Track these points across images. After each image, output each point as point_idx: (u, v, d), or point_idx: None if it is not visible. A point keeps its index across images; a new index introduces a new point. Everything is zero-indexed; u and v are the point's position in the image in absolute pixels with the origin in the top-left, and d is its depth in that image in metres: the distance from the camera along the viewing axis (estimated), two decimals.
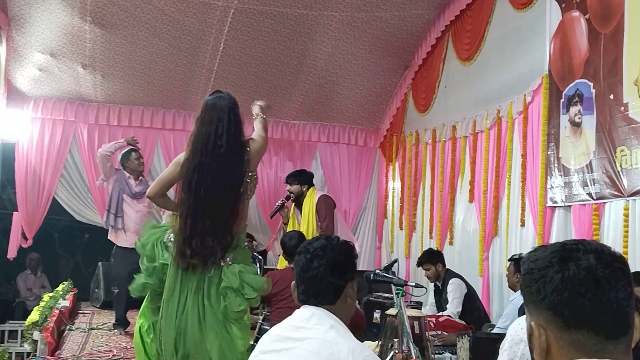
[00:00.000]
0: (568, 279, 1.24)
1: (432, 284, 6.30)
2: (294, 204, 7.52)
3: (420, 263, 6.35)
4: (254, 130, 3.88)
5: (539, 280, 1.28)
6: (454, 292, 5.99)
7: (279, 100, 8.78)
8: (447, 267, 6.32)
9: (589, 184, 5.01)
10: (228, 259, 3.58)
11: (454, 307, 5.93)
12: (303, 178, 7.47)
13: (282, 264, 7.34)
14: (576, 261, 1.25)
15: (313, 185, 7.52)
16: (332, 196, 9.19)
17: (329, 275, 2.25)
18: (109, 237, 6.79)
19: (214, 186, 3.56)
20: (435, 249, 6.80)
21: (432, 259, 6.28)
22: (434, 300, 6.35)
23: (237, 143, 3.65)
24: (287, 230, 7.50)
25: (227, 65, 8.05)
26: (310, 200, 7.29)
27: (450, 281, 6.06)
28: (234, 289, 3.52)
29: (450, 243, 7.28)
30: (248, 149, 3.71)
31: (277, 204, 7.68)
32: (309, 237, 7.10)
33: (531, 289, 1.30)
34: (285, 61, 8.11)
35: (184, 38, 7.62)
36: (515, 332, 2.90)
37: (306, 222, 7.31)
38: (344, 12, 7.37)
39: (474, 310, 6.03)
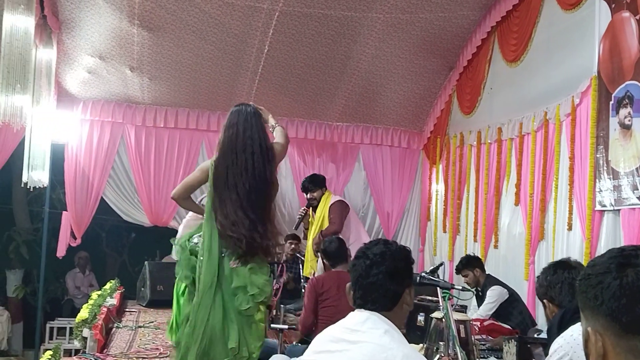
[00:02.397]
0: (626, 286, 1.23)
1: (474, 289, 6.29)
2: (310, 208, 7.67)
3: (458, 270, 6.38)
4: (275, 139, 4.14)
5: (597, 286, 1.27)
6: (491, 297, 6.00)
7: (322, 102, 8.81)
8: (488, 273, 6.31)
9: (639, 188, 4.91)
10: (238, 261, 3.85)
11: (483, 310, 5.96)
12: (322, 182, 7.66)
13: (307, 269, 7.43)
14: (635, 267, 1.24)
15: (326, 187, 7.73)
16: (374, 198, 9.23)
17: (388, 282, 2.24)
18: None
19: (251, 182, 3.82)
20: (472, 254, 6.77)
21: (469, 265, 6.29)
22: (476, 305, 6.32)
23: (264, 144, 3.93)
24: (309, 235, 7.58)
25: (272, 68, 8.11)
26: (325, 204, 7.43)
27: (492, 287, 6.05)
28: (242, 287, 3.79)
29: (495, 247, 7.20)
30: (273, 152, 3.99)
31: (299, 214, 7.83)
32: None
33: (588, 295, 1.29)
34: (329, 63, 8.13)
35: (229, 41, 7.70)
36: (560, 346, 2.86)
37: (315, 226, 7.42)
38: (387, 14, 7.36)
39: (518, 315, 5.98)
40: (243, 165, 3.83)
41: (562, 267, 3.47)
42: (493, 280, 6.19)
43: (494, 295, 5.99)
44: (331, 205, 7.37)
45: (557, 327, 3.36)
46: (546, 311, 3.63)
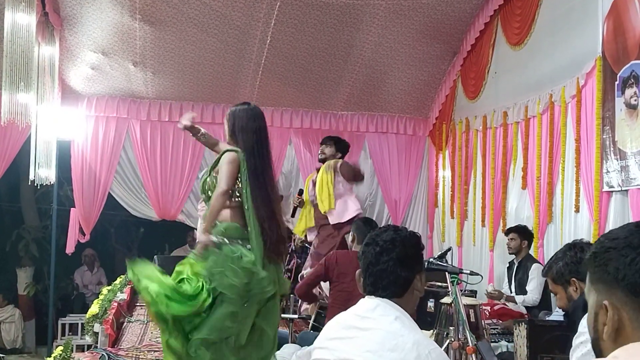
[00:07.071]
0: None
1: (508, 262, 6.38)
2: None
3: (508, 231, 6.38)
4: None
5: (619, 259, 1.27)
6: (538, 277, 5.92)
7: (326, 92, 8.79)
8: (529, 253, 6.27)
9: None
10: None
11: (537, 292, 5.92)
12: (341, 145, 7.34)
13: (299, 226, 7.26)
14: None
15: (343, 155, 7.37)
16: (382, 186, 9.21)
17: (398, 269, 2.23)
18: None
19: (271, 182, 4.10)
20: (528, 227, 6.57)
21: (521, 233, 6.26)
22: (507, 282, 6.35)
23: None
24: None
25: (275, 58, 8.08)
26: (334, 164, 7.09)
27: (535, 266, 6.02)
28: None
29: (504, 231, 7.18)
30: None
31: (294, 204, 7.51)
32: (325, 202, 6.89)
33: (608, 269, 1.28)
34: (332, 52, 8.11)
35: (231, 33, 7.68)
36: (580, 332, 2.86)
37: (320, 185, 7.02)
38: (390, 0, 7.32)
39: (543, 302, 5.98)
40: (268, 166, 3.97)
41: (587, 245, 3.43)
42: (535, 260, 6.17)
43: (540, 275, 5.92)
44: (340, 164, 7.06)
45: (583, 306, 3.35)
46: (569, 290, 3.59)
